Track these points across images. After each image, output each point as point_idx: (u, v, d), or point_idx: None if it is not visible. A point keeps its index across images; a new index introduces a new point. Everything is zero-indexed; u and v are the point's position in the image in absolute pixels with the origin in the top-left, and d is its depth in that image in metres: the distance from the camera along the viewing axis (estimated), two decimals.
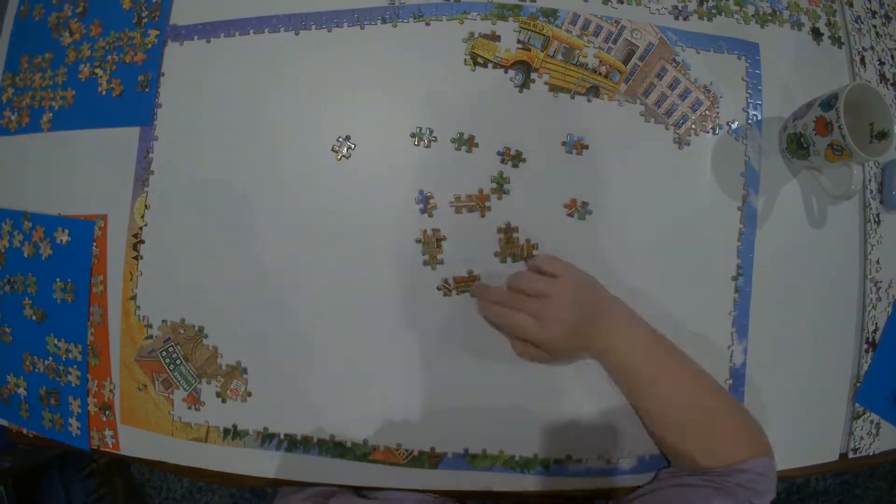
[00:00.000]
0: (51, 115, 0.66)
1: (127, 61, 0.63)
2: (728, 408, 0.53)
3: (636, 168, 0.58)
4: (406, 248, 0.56)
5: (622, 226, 0.57)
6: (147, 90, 0.62)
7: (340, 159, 0.57)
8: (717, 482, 0.46)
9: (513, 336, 0.54)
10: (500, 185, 0.56)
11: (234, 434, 0.58)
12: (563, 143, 0.57)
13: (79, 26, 0.66)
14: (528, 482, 0.56)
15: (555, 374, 0.55)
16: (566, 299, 0.51)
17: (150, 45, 0.63)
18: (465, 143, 0.56)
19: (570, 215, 0.56)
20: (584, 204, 0.56)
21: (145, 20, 0.63)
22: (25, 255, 0.64)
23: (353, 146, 0.57)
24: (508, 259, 0.56)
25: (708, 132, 0.59)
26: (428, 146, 0.57)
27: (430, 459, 0.56)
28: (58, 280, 0.63)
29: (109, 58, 0.64)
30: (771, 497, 0.47)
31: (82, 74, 0.65)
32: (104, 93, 0.64)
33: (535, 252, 0.56)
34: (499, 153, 0.56)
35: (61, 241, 0.63)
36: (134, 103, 0.62)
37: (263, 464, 0.58)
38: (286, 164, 0.58)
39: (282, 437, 0.57)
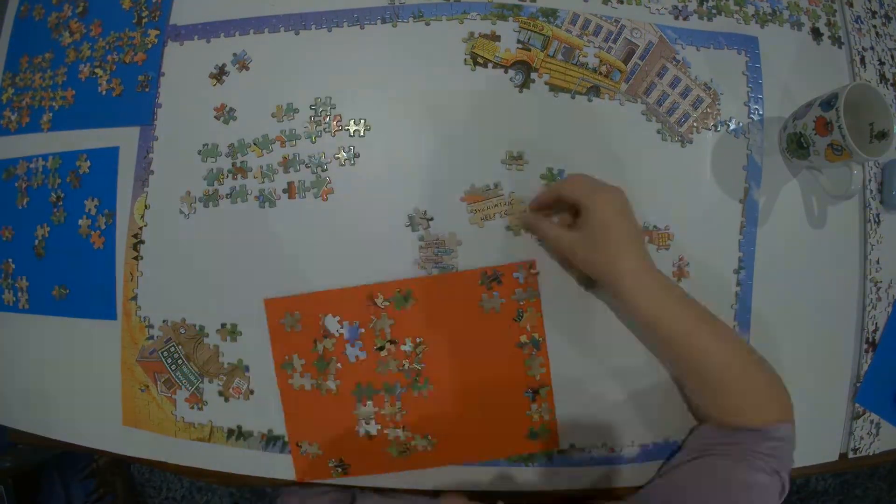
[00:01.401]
0: (51, 114, 0.66)
1: (127, 61, 0.63)
2: (757, 366, 0.51)
3: (637, 165, 0.57)
4: (408, 246, 0.56)
5: None
6: (147, 90, 0.62)
7: (344, 163, 0.57)
8: (743, 452, 0.46)
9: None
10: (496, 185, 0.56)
11: (238, 435, 0.58)
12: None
13: (79, 26, 0.66)
14: (532, 474, 0.56)
15: (555, 366, 0.55)
16: (614, 192, 0.50)
17: (150, 45, 0.63)
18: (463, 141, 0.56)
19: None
20: None
21: (145, 20, 0.63)
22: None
23: (352, 147, 0.57)
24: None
25: (710, 129, 0.59)
26: (430, 146, 0.57)
27: None
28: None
29: (109, 58, 0.64)
30: (792, 465, 0.47)
31: (82, 74, 0.65)
32: (104, 92, 0.64)
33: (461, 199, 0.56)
34: (502, 162, 0.57)
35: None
36: (134, 103, 0.62)
37: (265, 464, 0.58)
38: (286, 163, 0.58)
39: (286, 438, 0.57)
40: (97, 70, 0.64)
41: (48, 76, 0.67)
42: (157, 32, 0.63)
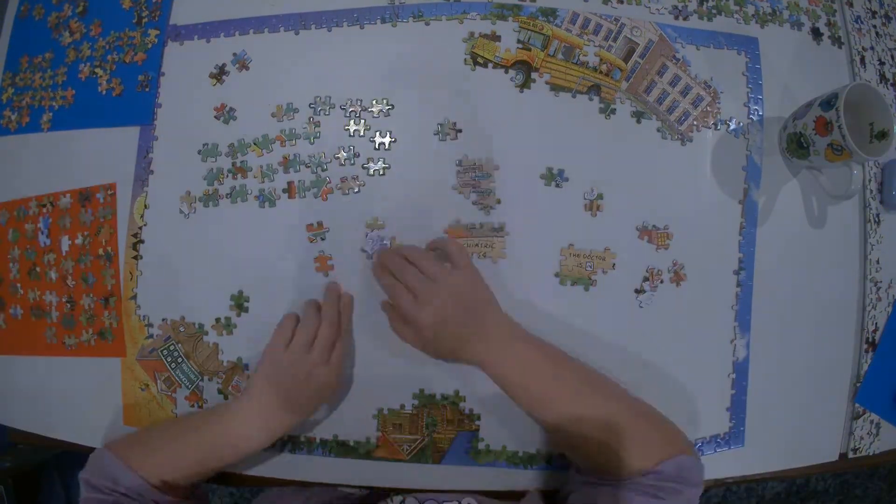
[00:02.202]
0: (51, 114, 0.66)
1: (127, 61, 0.63)
2: (633, 413, 0.50)
3: (638, 164, 0.58)
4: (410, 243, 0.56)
5: (625, 219, 0.57)
6: (147, 89, 0.62)
7: (344, 163, 0.57)
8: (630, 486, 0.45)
9: (393, 309, 0.54)
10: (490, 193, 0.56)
11: None
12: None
13: (79, 26, 0.66)
14: (531, 477, 0.56)
15: None
16: (452, 292, 0.49)
17: (149, 45, 0.63)
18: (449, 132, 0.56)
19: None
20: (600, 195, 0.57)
21: (145, 20, 0.63)
22: None
23: (352, 147, 0.57)
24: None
25: (709, 128, 0.59)
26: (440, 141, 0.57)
27: (434, 454, 0.56)
28: None
29: (109, 57, 0.64)
30: (693, 491, 0.45)
31: (82, 74, 0.65)
32: (104, 92, 0.64)
33: (445, 231, 0.56)
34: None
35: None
36: (134, 103, 0.62)
37: (265, 464, 0.58)
38: (286, 163, 0.58)
39: (285, 438, 0.57)
40: (97, 70, 0.64)
41: (48, 76, 0.67)
42: (157, 32, 0.63)
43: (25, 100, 0.67)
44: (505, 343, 0.51)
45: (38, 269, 0.64)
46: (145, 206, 0.60)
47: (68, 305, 0.63)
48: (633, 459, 0.45)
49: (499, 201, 0.56)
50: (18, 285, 0.66)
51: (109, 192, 0.61)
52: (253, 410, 0.52)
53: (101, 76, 0.64)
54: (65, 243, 0.63)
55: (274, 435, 0.52)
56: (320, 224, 0.57)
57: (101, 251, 0.62)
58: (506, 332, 0.52)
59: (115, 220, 0.61)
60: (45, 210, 0.64)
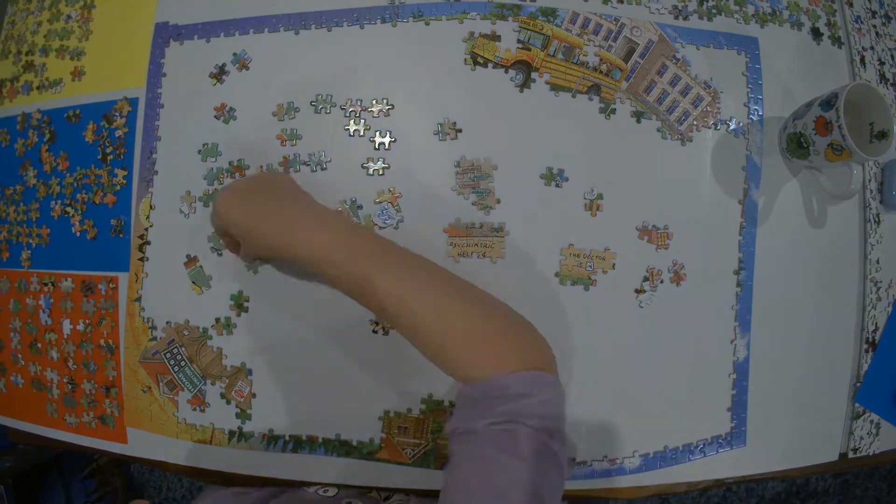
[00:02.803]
0: (29, 252, 0.64)
1: (97, 202, 0.61)
2: (482, 309, 0.43)
3: (638, 164, 0.58)
4: (413, 246, 0.56)
5: (625, 220, 0.57)
6: (122, 235, 0.60)
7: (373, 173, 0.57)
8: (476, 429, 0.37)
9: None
10: (488, 195, 0.56)
11: (239, 436, 0.58)
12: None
13: (49, 157, 0.64)
14: None
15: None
16: (247, 177, 0.49)
17: (118, 187, 0.61)
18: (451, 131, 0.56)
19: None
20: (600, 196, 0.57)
21: (111, 157, 0.61)
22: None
23: (352, 147, 0.57)
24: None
25: (709, 128, 0.59)
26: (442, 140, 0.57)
27: (437, 460, 0.56)
28: None
29: (79, 196, 0.62)
30: (556, 421, 0.38)
31: (54, 212, 0.63)
32: (78, 234, 0.62)
33: (444, 230, 0.56)
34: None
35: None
36: (109, 248, 0.61)
37: (267, 464, 0.58)
38: (286, 164, 0.58)
39: (287, 438, 0.57)
40: (68, 209, 0.62)
41: (21, 210, 0.65)
42: (125, 173, 0.61)
43: (3, 233, 0.66)
44: (325, 216, 0.47)
45: (39, 345, 0.64)
46: (151, 207, 0.60)
47: (69, 386, 0.63)
48: (481, 364, 0.39)
49: (498, 201, 0.56)
50: (19, 355, 0.65)
51: (111, 286, 0.61)
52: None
53: (72, 216, 0.62)
54: (66, 326, 0.63)
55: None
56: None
57: (102, 342, 0.61)
58: (321, 209, 0.48)
59: (117, 313, 0.61)
60: (46, 289, 0.63)
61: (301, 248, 0.45)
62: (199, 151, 0.59)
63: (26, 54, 0.68)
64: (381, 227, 0.56)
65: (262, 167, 0.58)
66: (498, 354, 0.40)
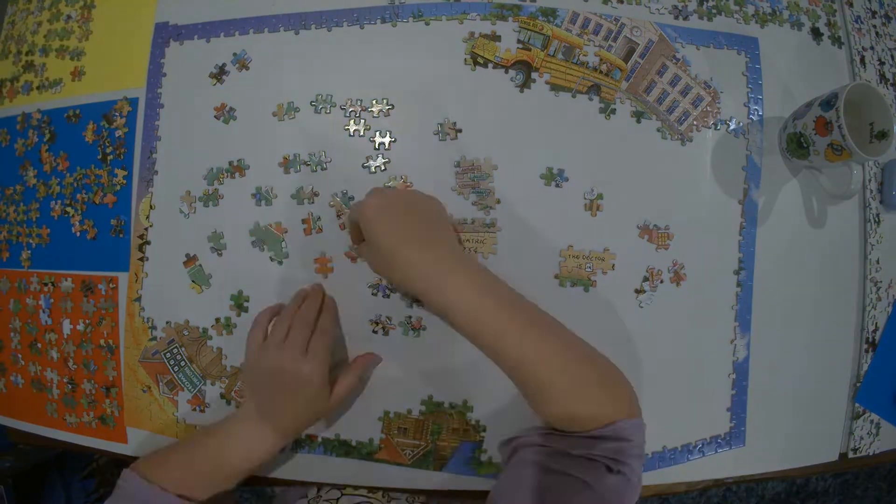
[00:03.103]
0: (29, 252, 0.64)
1: (97, 202, 0.61)
2: (585, 364, 0.46)
3: (638, 164, 0.57)
4: None
5: (625, 220, 0.57)
6: (122, 235, 0.60)
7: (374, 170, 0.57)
8: (575, 464, 0.41)
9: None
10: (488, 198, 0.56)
11: None
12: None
13: (49, 157, 0.64)
14: None
15: None
16: (405, 192, 0.49)
17: (118, 187, 0.61)
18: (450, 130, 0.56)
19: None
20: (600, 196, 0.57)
21: (111, 157, 0.61)
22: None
23: (352, 147, 0.57)
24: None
25: (709, 128, 0.59)
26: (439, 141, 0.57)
27: (436, 461, 0.56)
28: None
29: (79, 196, 0.62)
30: (639, 460, 0.43)
31: (54, 212, 0.63)
32: (78, 234, 0.62)
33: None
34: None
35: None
36: (109, 248, 0.61)
37: (266, 464, 0.58)
38: (289, 164, 0.58)
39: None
40: (68, 209, 0.62)
41: (21, 210, 0.65)
42: (125, 173, 0.61)
43: (3, 234, 0.66)
44: (461, 263, 0.46)
45: (38, 345, 0.64)
46: (151, 207, 0.60)
47: (69, 386, 0.63)
48: (576, 415, 0.43)
49: (498, 201, 0.56)
50: (19, 355, 0.65)
51: (111, 286, 0.61)
52: (244, 428, 0.51)
53: (72, 216, 0.62)
54: (66, 326, 0.63)
55: (271, 447, 0.51)
56: (320, 228, 0.57)
57: (102, 342, 0.61)
58: (457, 252, 0.47)
59: (117, 313, 0.61)
60: (46, 289, 0.63)
61: (447, 297, 0.45)
62: (199, 151, 0.59)
63: (26, 54, 0.68)
64: None
65: (406, 184, 0.56)
66: (608, 405, 0.44)
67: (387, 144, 0.57)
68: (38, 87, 0.67)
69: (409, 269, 0.46)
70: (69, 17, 0.67)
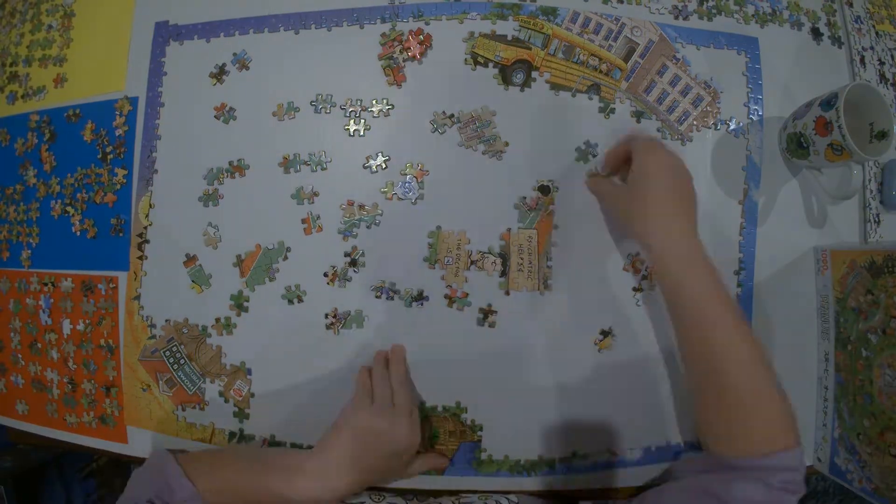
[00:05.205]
0: (29, 251, 0.64)
1: (97, 201, 0.62)
2: (776, 389, 0.46)
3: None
4: (412, 249, 0.56)
5: None
6: (121, 234, 0.60)
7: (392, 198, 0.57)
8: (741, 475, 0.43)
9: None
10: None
11: (239, 438, 0.58)
12: (577, 149, 0.57)
13: (49, 157, 0.64)
14: (534, 483, 0.56)
15: (554, 374, 0.56)
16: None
17: (118, 186, 0.61)
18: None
19: None
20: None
21: (111, 156, 0.61)
22: None
23: (352, 146, 0.57)
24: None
25: (709, 128, 0.59)
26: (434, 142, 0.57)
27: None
28: None
29: (79, 196, 0.62)
30: (802, 491, 0.44)
31: (54, 212, 0.63)
32: (78, 233, 0.62)
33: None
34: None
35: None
36: (109, 247, 0.61)
37: None
38: (286, 164, 0.58)
39: (288, 446, 0.57)
40: (69, 209, 0.62)
41: (21, 209, 0.65)
42: (125, 172, 0.61)
43: (3, 233, 0.66)
44: (689, 231, 0.48)
45: (38, 345, 0.64)
46: (150, 206, 0.60)
47: (69, 386, 0.63)
48: (758, 435, 0.44)
49: (507, 144, 0.56)
50: (20, 355, 0.65)
51: (111, 286, 0.61)
52: (322, 470, 0.48)
53: (73, 215, 0.62)
54: (66, 326, 0.63)
55: (337, 495, 0.48)
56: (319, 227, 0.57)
57: (102, 342, 0.61)
58: (690, 227, 0.48)
59: (117, 313, 0.61)
60: (46, 289, 0.63)
61: (655, 235, 0.48)
62: (199, 151, 0.59)
63: (10, 66, 0.69)
64: (399, 199, 0.56)
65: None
66: (783, 435, 0.45)
67: (386, 144, 0.57)
68: (22, 97, 0.67)
69: (653, 217, 0.48)
70: (50, 26, 0.67)
